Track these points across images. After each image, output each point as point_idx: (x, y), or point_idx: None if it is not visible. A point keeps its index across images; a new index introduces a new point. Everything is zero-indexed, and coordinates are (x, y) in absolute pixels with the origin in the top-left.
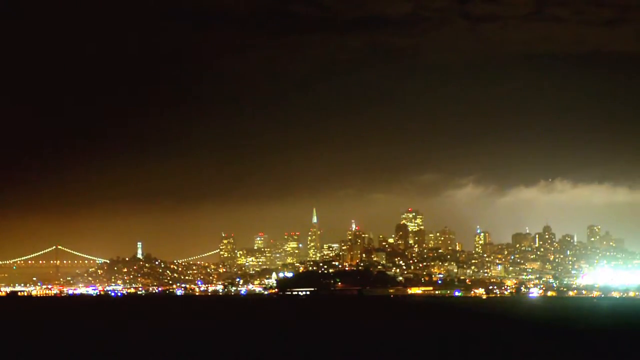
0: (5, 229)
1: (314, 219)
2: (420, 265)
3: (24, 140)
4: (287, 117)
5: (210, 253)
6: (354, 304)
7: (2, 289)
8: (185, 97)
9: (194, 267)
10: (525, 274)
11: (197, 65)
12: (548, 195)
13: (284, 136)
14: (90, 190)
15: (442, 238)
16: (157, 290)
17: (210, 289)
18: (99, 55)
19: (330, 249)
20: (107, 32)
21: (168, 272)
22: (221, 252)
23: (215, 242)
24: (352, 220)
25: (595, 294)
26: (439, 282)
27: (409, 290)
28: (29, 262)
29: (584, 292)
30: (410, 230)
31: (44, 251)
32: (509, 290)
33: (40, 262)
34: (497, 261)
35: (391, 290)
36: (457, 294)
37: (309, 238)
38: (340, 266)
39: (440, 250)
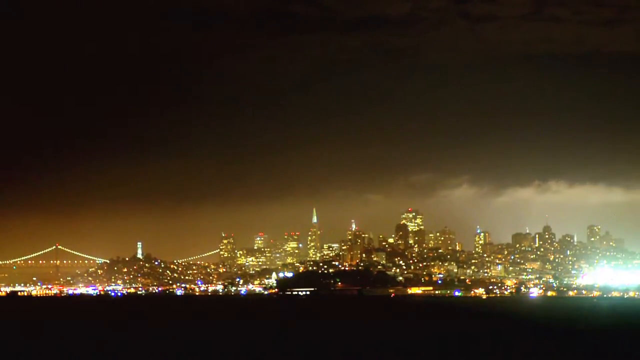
0: (5, 229)
1: (314, 219)
2: (420, 265)
3: (24, 140)
4: (287, 117)
5: (210, 253)
6: (354, 304)
7: (2, 289)
8: (185, 97)
9: (194, 267)
10: (525, 274)
11: (197, 65)
12: (548, 195)
13: (284, 136)
14: (90, 190)
15: (442, 238)
16: (157, 290)
17: (210, 289)
18: (99, 55)
19: (330, 249)
20: (107, 32)
21: (168, 272)
22: (221, 252)
23: (215, 242)
24: (352, 220)
25: (595, 294)
26: (439, 282)
27: (409, 290)
28: (29, 262)
29: (584, 292)
30: (410, 230)
31: (44, 251)
32: (509, 290)
33: (40, 262)
34: (497, 261)
35: (391, 290)
36: (457, 294)
37: (309, 238)
38: (340, 266)
39: (440, 250)
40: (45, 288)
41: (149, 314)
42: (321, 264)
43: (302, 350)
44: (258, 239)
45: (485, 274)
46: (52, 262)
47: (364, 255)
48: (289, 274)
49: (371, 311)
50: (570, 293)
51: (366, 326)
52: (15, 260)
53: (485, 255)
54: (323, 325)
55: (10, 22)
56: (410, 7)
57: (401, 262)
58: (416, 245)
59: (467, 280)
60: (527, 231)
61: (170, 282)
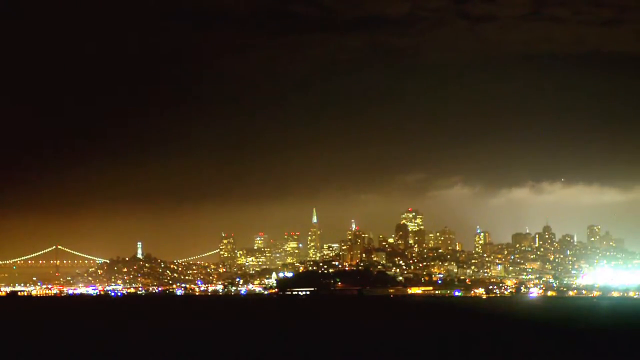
0: (5, 229)
1: (314, 219)
2: (420, 265)
3: (24, 140)
4: (287, 117)
5: (210, 253)
6: (354, 304)
7: (2, 289)
8: (185, 97)
9: (194, 267)
10: (525, 274)
11: (197, 65)
12: (548, 195)
13: (284, 136)
14: (90, 190)
15: (442, 238)
16: (157, 290)
17: (210, 289)
18: (99, 55)
19: (330, 249)
20: (107, 32)
21: (168, 272)
22: (221, 252)
23: (215, 242)
24: (352, 220)
25: (595, 294)
26: (439, 282)
27: (409, 290)
28: (29, 262)
29: (584, 292)
30: (410, 230)
31: (44, 251)
32: (509, 290)
33: (40, 262)
34: (497, 261)
35: (391, 290)
36: (457, 294)
37: (309, 238)
38: (340, 266)
39: (440, 250)
40: (45, 288)
41: (149, 314)
42: (321, 264)
43: (302, 350)
44: (258, 239)
45: (485, 274)
46: (52, 262)
47: (364, 255)
48: (289, 274)
49: (371, 311)
50: (570, 293)
51: (366, 326)
52: (15, 260)
53: (485, 255)
54: (323, 325)
55: (10, 22)
56: (410, 7)
57: (401, 262)
58: (416, 245)
59: (467, 280)
60: (527, 231)
61: (170, 282)
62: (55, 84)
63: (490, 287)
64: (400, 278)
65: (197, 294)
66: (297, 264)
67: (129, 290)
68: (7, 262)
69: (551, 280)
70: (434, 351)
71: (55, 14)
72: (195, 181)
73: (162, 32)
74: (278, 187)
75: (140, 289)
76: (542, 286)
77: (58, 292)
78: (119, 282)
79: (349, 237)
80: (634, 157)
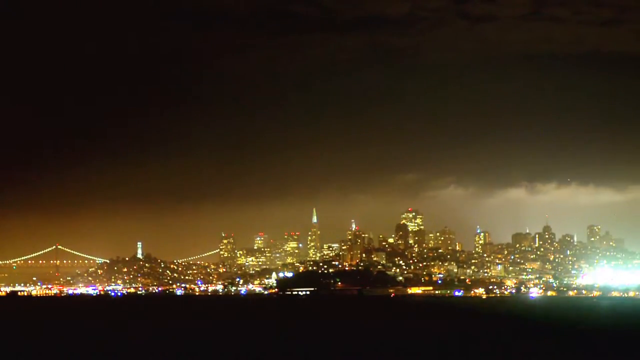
0: (5, 229)
1: (314, 219)
2: (420, 265)
3: (24, 140)
4: (287, 117)
5: (210, 253)
6: (354, 304)
7: (2, 289)
8: (185, 97)
9: (194, 267)
10: (525, 273)
11: (197, 65)
12: (548, 196)
13: (284, 136)
14: (90, 190)
15: (442, 238)
16: (157, 290)
17: (210, 289)
18: (99, 55)
19: (330, 248)
20: (107, 32)
21: (168, 272)
22: (221, 252)
23: (215, 242)
24: (352, 220)
25: (595, 293)
26: (439, 282)
27: (409, 290)
28: (29, 262)
29: (584, 292)
30: (410, 230)
31: (44, 251)
32: (509, 290)
33: (40, 262)
34: (497, 261)
35: (391, 290)
36: (457, 294)
37: (309, 238)
38: (340, 266)
39: (440, 250)
40: (45, 288)
41: (149, 314)
42: (321, 264)
43: (302, 350)
44: (258, 239)
45: (485, 274)
46: (52, 262)
47: (364, 255)
48: (289, 274)
49: (371, 311)
50: (570, 293)
51: (366, 326)
52: (15, 260)
53: (485, 255)
54: (323, 325)
55: (10, 22)
56: (410, 7)
57: (401, 262)
58: (416, 245)
59: (467, 280)
60: (527, 231)
61: (170, 282)
62: (55, 84)
63: (490, 287)
64: (400, 278)
65: (197, 294)
66: (297, 264)
67: (129, 290)
68: (7, 262)
69: (551, 280)
70: (434, 351)
71: (55, 14)
72: (195, 181)
73: (162, 32)
74: (278, 187)
75: (140, 289)
76: (542, 286)
77: (58, 292)
78: (119, 282)
79: (349, 237)
80: (635, 157)
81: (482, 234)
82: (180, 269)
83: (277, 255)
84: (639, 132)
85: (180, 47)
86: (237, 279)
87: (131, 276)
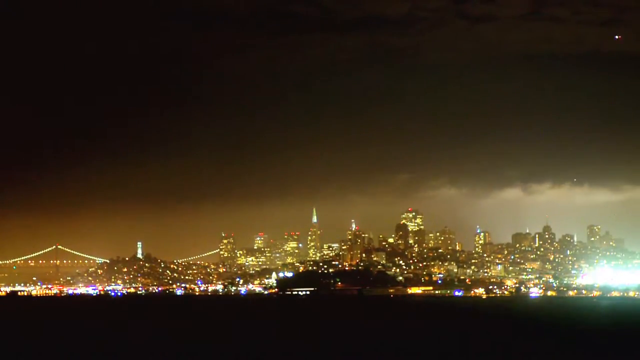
0: (5, 229)
1: (314, 219)
2: (420, 265)
3: (24, 140)
4: (287, 117)
5: (210, 253)
6: (354, 304)
7: (2, 289)
8: (185, 97)
9: (194, 267)
10: (525, 273)
11: (197, 65)
12: (549, 196)
13: (284, 136)
14: (90, 190)
15: (442, 238)
16: (157, 290)
17: (210, 288)
18: (99, 55)
19: (330, 248)
20: (107, 32)
21: (168, 272)
22: (221, 252)
23: (215, 242)
24: (352, 220)
25: (595, 293)
26: (439, 282)
27: (409, 290)
28: (29, 262)
29: (584, 292)
30: (410, 230)
31: (44, 251)
32: (508, 290)
33: (40, 262)
34: (497, 261)
35: (391, 290)
36: (457, 293)
37: (309, 238)
38: (340, 266)
39: (440, 250)
40: (45, 288)
41: (149, 314)
42: (321, 264)
43: (302, 350)
44: (258, 239)
45: (485, 274)
46: (52, 262)
47: (364, 255)
48: (289, 274)
49: (371, 311)
50: (570, 293)
51: (366, 326)
52: (15, 260)
53: (485, 255)
54: (323, 325)
55: (10, 22)
56: (409, 7)
57: (401, 262)
58: (416, 245)
59: (467, 280)
60: (527, 231)
61: (170, 282)
62: (55, 84)
63: (490, 287)
64: (400, 278)
65: (197, 294)
66: (297, 264)
67: (129, 290)
68: (7, 262)
69: (551, 280)
70: (434, 351)
71: (55, 14)
72: (195, 181)
73: (162, 32)
74: (278, 187)
75: (140, 289)
76: (542, 286)
77: (58, 292)
78: (119, 282)
79: (349, 237)
80: (635, 156)
81: (482, 233)
82: (180, 269)
83: (277, 255)
84: (636, 132)
85: (180, 47)
86: (237, 279)
87: (131, 276)
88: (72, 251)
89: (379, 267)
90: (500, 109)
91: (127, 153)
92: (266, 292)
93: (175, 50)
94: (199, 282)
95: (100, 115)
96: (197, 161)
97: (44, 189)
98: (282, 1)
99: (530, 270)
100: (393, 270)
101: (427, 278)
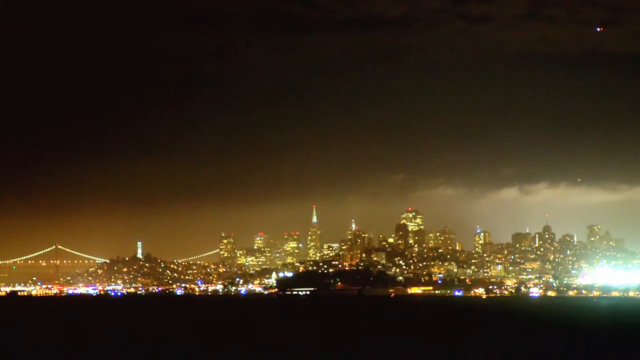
0: (5, 229)
1: (314, 219)
2: (420, 265)
3: (24, 140)
4: (286, 117)
5: (210, 253)
6: (354, 304)
7: (2, 288)
8: (185, 97)
9: (194, 267)
10: (525, 273)
11: (196, 65)
12: (549, 195)
13: (284, 136)
14: (90, 190)
15: (442, 238)
16: (157, 290)
17: (210, 288)
18: (99, 56)
19: (330, 248)
20: (107, 32)
21: (168, 272)
22: (221, 252)
23: (215, 242)
24: (352, 220)
25: (595, 293)
26: (439, 282)
27: (409, 290)
28: (29, 262)
29: (584, 291)
30: (410, 230)
31: (44, 251)
32: (508, 290)
33: (40, 262)
34: (497, 261)
35: (391, 290)
36: (457, 293)
37: (309, 238)
38: (340, 266)
39: (440, 250)
40: (45, 288)
41: (149, 314)
42: (321, 264)
43: (302, 350)
44: (258, 239)
45: (485, 274)
46: (52, 262)
47: (364, 255)
48: (289, 274)
49: (371, 311)
50: (570, 293)
51: (366, 326)
52: (15, 260)
53: (485, 255)
54: (323, 325)
55: (10, 22)
56: (408, 7)
57: (401, 262)
58: (416, 245)
59: (467, 280)
60: (527, 231)
61: (170, 282)
62: (55, 84)
63: (490, 287)
64: (400, 278)
65: (197, 294)
66: (297, 264)
67: (129, 290)
68: (7, 262)
69: (551, 280)
70: (434, 351)
71: (55, 14)
72: (195, 181)
73: (162, 32)
74: (278, 187)
75: (140, 289)
76: (542, 286)
77: (58, 292)
78: (119, 282)
79: (349, 237)
80: (635, 156)
81: (482, 233)
82: (180, 269)
83: (277, 255)
84: (633, 131)
85: (180, 48)
86: (237, 279)
87: (131, 276)
88: (72, 251)
89: (379, 267)
90: (500, 109)
91: (127, 153)
92: (266, 292)
93: (175, 50)
94: (199, 282)
95: (100, 115)
96: (197, 161)
97: (44, 189)
98: (281, 1)
99: (530, 270)
100: (393, 270)
101: (427, 278)
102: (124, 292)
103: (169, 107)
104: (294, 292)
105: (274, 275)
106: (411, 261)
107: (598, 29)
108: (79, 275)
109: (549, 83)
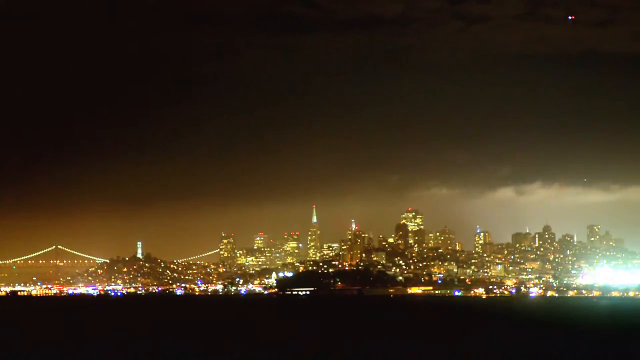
0: (5, 229)
1: (314, 219)
2: (420, 265)
3: (24, 140)
4: (286, 117)
5: (210, 253)
6: (354, 303)
7: (2, 288)
8: (185, 97)
9: (194, 267)
10: (525, 273)
11: (196, 65)
12: (548, 195)
13: (284, 136)
14: (90, 190)
15: (442, 238)
16: (157, 290)
17: (210, 288)
18: (99, 56)
19: (330, 248)
20: (107, 32)
21: (168, 272)
22: (221, 252)
23: (215, 242)
24: (352, 220)
25: (595, 293)
26: (439, 281)
27: (409, 290)
28: (29, 262)
29: (584, 291)
30: (410, 230)
31: (44, 251)
32: (508, 290)
33: (40, 262)
34: (497, 261)
35: (391, 290)
36: (457, 293)
37: (309, 238)
38: (340, 266)
39: (440, 250)
40: (45, 288)
41: (149, 314)
42: (321, 264)
43: (302, 350)
44: (258, 239)
45: (485, 274)
46: (52, 262)
47: (363, 255)
48: (289, 274)
49: (371, 311)
50: (570, 293)
51: (366, 326)
52: (15, 260)
53: (485, 255)
54: (323, 325)
55: (10, 22)
56: (405, 7)
57: (401, 262)
58: (416, 245)
59: (467, 280)
60: (527, 231)
61: (170, 282)
62: (55, 84)
63: (490, 287)
64: (400, 278)
65: (197, 294)
66: (297, 264)
67: (129, 290)
68: (7, 262)
69: (551, 280)
70: (434, 351)
71: (55, 14)
72: (195, 181)
73: (162, 32)
74: (278, 187)
75: (140, 289)
76: (542, 286)
77: (58, 292)
78: (119, 282)
79: (349, 237)
80: (635, 156)
81: (482, 233)
82: (180, 268)
83: (277, 255)
84: (631, 131)
85: (180, 48)
86: (237, 279)
87: (131, 276)
88: (72, 251)
89: (379, 267)
90: (499, 109)
91: (127, 153)
92: (266, 292)
93: (175, 50)
94: (199, 282)
95: (100, 115)
96: (197, 161)
97: (44, 189)
98: (281, 1)
99: (530, 270)
100: (393, 270)
101: (427, 278)
102: (124, 292)
103: (168, 107)
104: (293, 292)
105: (274, 275)
106: (411, 261)
107: (570, 18)
108: (79, 275)
109: (548, 83)
